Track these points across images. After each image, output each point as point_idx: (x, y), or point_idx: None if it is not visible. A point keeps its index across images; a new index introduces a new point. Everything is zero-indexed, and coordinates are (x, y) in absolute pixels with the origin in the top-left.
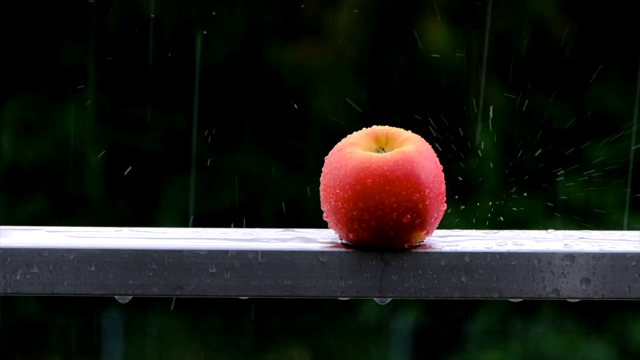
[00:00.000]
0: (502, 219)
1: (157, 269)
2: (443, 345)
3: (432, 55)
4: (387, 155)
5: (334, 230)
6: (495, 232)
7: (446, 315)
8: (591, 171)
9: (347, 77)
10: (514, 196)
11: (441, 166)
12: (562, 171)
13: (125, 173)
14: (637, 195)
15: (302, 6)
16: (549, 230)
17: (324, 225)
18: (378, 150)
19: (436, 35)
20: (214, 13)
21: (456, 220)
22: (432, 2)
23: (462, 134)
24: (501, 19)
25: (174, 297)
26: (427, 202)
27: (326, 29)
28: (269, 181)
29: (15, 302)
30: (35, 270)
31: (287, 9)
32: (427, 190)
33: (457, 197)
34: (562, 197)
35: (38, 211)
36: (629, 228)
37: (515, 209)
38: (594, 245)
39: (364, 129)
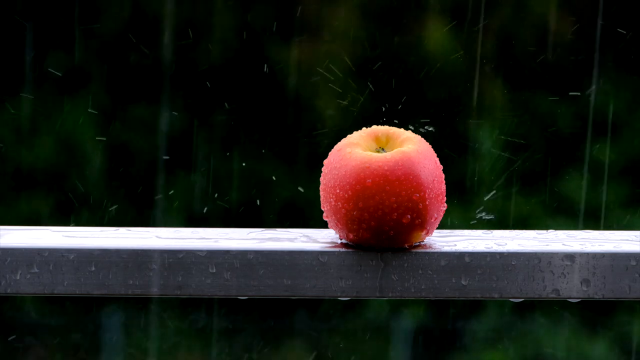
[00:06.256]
0: (502, 219)
1: (157, 269)
2: (443, 345)
3: (433, 54)
4: (387, 155)
5: (334, 230)
6: (495, 232)
7: (446, 315)
8: (592, 170)
9: (346, 76)
10: (514, 196)
11: (441, 166)
12: (563, 170)
13: (123, 172)
14: (638, 194)
15: (302, 6)
16: (549, 230)
17: (324, 225)
18: (378, 150)
19: (436, 35)
20: (214, 12)
21: (456, 221)
22: (432, 2)
23: (462, 133)
24: (502, 18)
25: (174, 297)
26: (427, 202)
27: (326, 29)
28: (269, 181)
29: (15, 302)
30: (35, 270)
31: (287, 9)
32: (427, 190)
33: (457, 197)
34: (563, 197)
35: (38, 211)
36: (630, 228)
37: (516, 209)
38: (594, 245)
39: (364, 128)
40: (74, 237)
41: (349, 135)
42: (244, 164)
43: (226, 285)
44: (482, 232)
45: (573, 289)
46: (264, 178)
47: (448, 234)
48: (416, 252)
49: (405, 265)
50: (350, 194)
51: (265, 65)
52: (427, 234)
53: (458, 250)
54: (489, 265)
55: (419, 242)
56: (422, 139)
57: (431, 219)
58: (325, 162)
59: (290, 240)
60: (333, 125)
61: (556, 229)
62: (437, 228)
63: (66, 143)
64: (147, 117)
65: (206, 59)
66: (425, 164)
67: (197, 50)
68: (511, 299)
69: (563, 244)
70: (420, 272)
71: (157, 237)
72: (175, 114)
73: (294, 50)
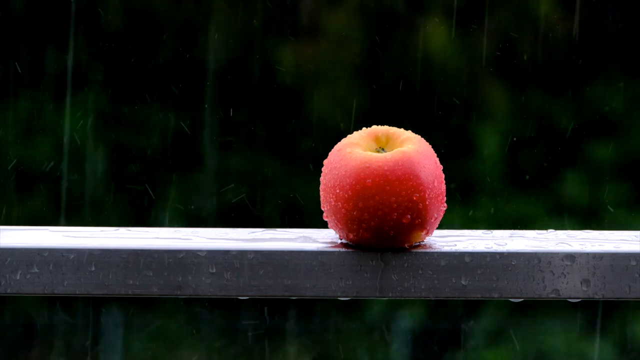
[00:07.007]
0: (502, 219)
1: (157, 269)
2: (443, 345)
3: (433, 54)
4: (387, 155)
5: (334, 230)
6: (495, 232)
7: (446, 315)
8: (592, 170)
9: (346, 77)
10: (514, 196)
11: (441, 166)
12: (563, 170)
13: (126, 173)
14: (638, 194)
15: (303, 6)
16: (549, 230)
17: (324, 225)
18: (378, 150)
19: (436, 35)
20: (214, 12)
21: (456, 221)
22: (432, 2)
23: (462, 133)
24: (502, 18)
25: (174, 297)
26: (427, 202)
27: (326, 29)
28: (269, 181)
29: (15, 302)
30: (35, 270)
31: (287, 9)
32: (427, 190)
33: (457, 197)
34: (563, 197)
35: (38, 211)
36: (630, 228)
37: (516, 209)
38: (594, 245)
39: (364, 128)
40: (73, 237)
41: (349, 135)
42: (243, 164)
43: (226, 285)
44: (482, 232)
45: (573, 289)
46: (264, 178)
47: (448, 234)
48: (416, 252)
49: (405, 265)
50: (350, 194)
51: (266, 65)
52: (427, 234)
53: (458, 250)
54: (489, 265)
55: (419, 242)
56: (422, 139)
57: (431, 219)
58: (325, 162)
59: (290, 240)
60: (333, 125)
61: (556, 229)
62: (437, 228)
63: (66, 143)
64: (146, 117)
65: (206, 59)
66: (425, 164)
67: (197, 50)
68: (511, 299)
69: (563, 244)
70: (420, 272)
71: (157, 237)
72: (175, 113)
73: (295, 50)
